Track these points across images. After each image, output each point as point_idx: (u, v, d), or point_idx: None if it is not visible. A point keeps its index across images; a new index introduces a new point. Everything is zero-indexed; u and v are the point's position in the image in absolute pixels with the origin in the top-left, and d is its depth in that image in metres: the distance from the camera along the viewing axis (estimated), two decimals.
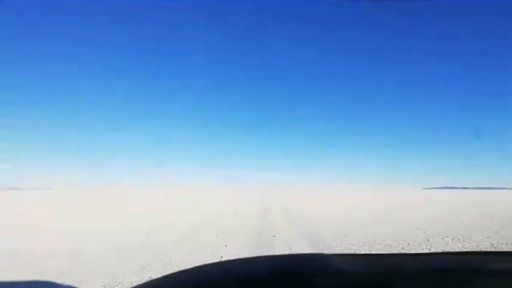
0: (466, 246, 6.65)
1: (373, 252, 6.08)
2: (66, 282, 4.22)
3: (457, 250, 6.10)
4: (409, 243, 6.99)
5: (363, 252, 5.92)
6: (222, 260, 4.97)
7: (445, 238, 7.62)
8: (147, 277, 4.44)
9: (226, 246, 6.59)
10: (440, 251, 6.06)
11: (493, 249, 6.17)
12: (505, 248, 6.33)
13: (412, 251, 6.13)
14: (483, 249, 6.15)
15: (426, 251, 6.18)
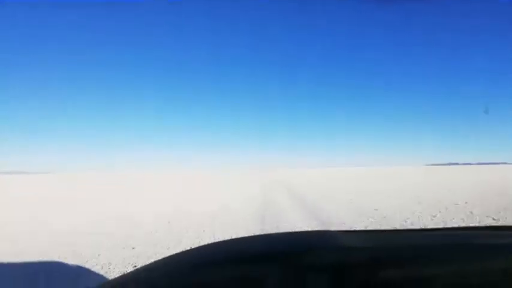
0: (471, 220, 6.72)
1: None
2: (75, 262, 4.34)
3: (462, 225, 6.16)
4: (407, 220, 7.08)
5: (369, 229, 6.00)
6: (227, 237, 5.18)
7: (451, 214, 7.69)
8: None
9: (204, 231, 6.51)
10: (446, 226, 6.12)
11: (497, 224, 6.23)
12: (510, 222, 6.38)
13: (417, 227, 6.21)
14: (488, 224, 6.21)
15: (431, 226, 6.25)
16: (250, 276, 0.61)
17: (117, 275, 4.35)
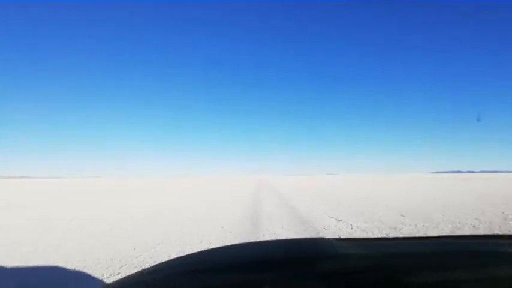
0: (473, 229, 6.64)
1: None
2: (74, 267, 4.31)
3: (463, 233, 6.08)
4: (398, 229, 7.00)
5: (365, 237, 5.96)
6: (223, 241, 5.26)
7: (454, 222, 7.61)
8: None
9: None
10: (446, 234, 6.06)
11: (498, 232, 6.15)
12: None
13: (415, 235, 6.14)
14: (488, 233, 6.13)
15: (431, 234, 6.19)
16: (248, 283, 0.61)
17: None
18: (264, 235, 6.09)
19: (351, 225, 7.11)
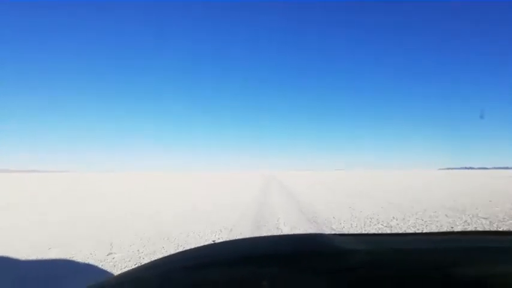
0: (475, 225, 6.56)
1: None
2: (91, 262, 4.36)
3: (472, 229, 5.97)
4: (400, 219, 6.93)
5: (365, 232, 5.94)
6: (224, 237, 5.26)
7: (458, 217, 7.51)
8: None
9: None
10: (447, 230, 5.99)
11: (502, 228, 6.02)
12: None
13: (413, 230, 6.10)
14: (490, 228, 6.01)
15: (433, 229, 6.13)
16: (247, 278, 0.61)
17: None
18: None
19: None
